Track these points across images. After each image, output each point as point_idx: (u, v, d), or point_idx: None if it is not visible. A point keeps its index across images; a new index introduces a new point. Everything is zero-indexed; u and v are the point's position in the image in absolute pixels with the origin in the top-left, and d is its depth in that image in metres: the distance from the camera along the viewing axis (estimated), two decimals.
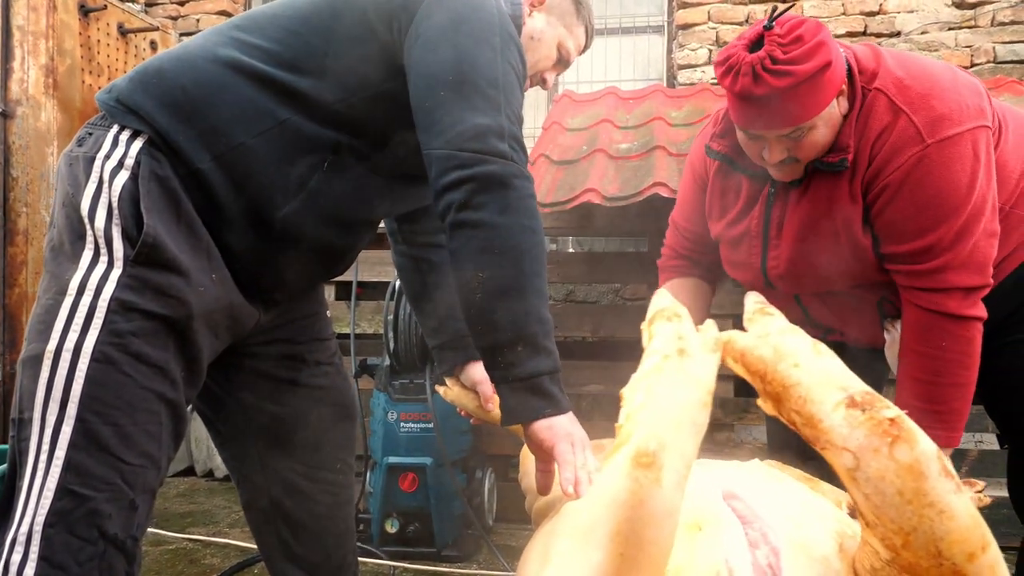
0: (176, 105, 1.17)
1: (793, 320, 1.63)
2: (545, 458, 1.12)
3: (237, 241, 1.22)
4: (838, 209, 1.37)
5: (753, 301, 0.78)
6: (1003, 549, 0.58)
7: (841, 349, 1.61)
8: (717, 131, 1.51)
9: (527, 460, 1.52)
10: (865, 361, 1.69)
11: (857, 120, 1.33)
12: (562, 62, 1.49)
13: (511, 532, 2.60)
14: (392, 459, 2.42)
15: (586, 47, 1.54)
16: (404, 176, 1.34)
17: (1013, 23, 3.36)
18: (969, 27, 3.44)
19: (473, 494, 2.50)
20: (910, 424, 0.57)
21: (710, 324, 0.69)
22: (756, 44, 1.27)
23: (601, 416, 2.91)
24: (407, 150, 1.26)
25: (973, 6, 3.43)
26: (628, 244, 3.45)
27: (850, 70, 1.33)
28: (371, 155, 1.27)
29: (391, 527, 2.39)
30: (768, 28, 1.25)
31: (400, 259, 1.66)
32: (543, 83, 1.49)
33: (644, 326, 0.72)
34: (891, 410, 0.58)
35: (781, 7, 1.29)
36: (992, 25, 3.40)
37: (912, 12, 3.47)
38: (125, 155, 1.13)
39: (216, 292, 1.19)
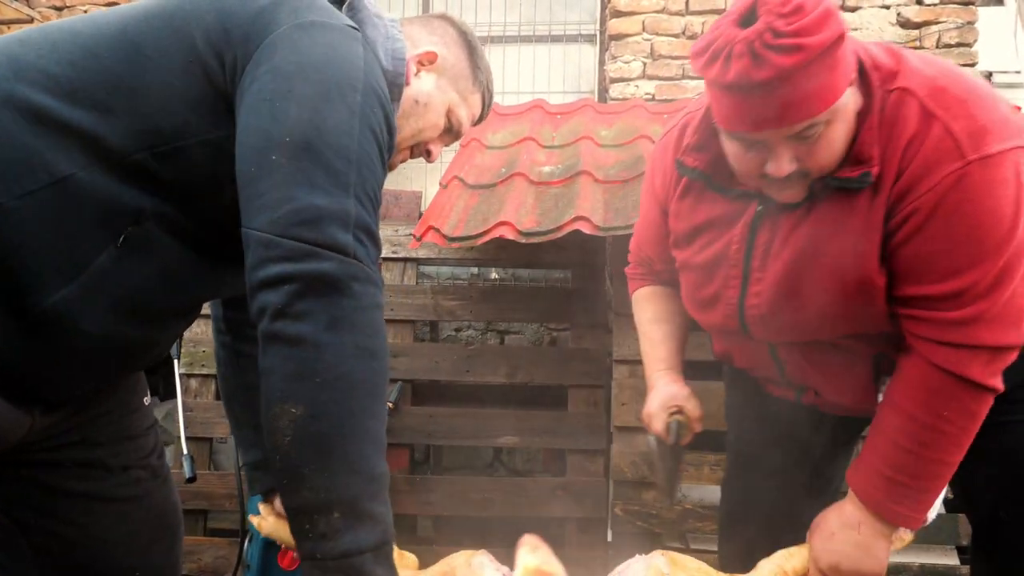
0: None
1: (764, 375, 1.37)
2: None
3: None
4: (849, 238, 1.10)
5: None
6: None
7: (813, 414, 1.37)
8: (692, 142, 1.21)
9: None
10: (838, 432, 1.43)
11: (879, 126, 1.06)
12: (452, 131, 1.22)
13: None
14: None
15: (482, 116, 1.27)
16: (232, 255, 1.03)
17: (960, 45, 3.21)
18: (914, 47, 3.27)
19: None
20: None
21: None
22: (748, 18, 0.98)
23: (513, 470, 2.64)
24: (237, 221, 0.95)
25: (919, 26, 3.26)
26: (554, 272, 3.19)
27: (861, 65, 1.06)
28: (186, 226, 0.96)
29: None
30: None
31: (220, 350, 1.34)
32: (427, 155, 1.22)
33: None
34: None
35: None
36: (937, 47, 3.24)
37: (856, 30, 3.29)
38: None
39: None
